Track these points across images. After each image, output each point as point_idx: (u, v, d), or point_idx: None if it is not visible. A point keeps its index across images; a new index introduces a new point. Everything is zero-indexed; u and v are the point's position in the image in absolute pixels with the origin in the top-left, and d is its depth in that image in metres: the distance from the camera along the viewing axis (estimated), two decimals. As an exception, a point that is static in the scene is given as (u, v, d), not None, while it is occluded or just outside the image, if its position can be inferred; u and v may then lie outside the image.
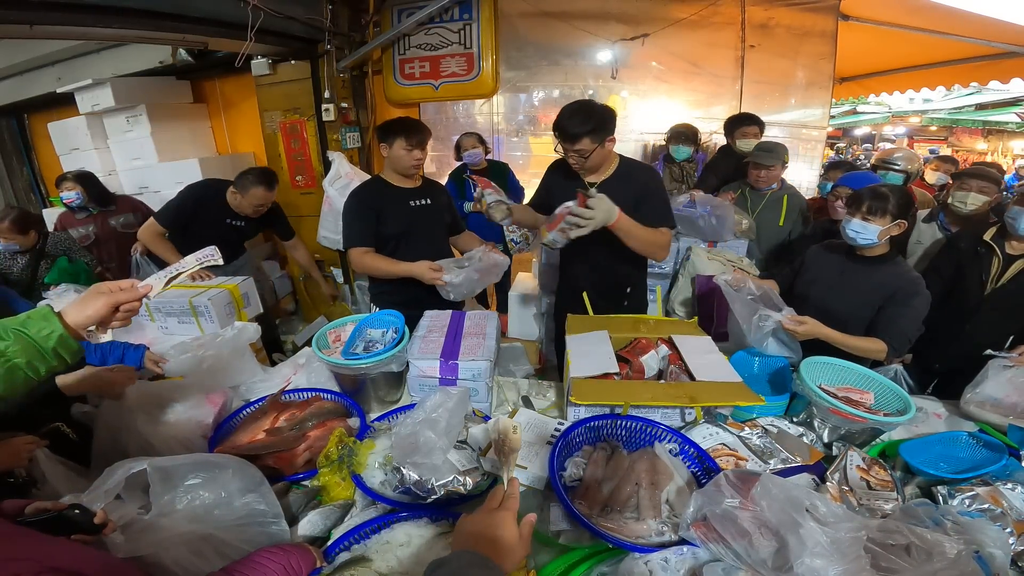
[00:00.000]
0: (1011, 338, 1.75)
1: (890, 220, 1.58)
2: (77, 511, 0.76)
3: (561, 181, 1.86)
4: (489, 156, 3.43)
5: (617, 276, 1.93)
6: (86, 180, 3.01)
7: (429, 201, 2.04)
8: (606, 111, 1.66)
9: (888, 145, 10.98)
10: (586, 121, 1.61)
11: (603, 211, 1.54)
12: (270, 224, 2.91)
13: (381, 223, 1.95)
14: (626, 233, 1.63)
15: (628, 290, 1.97)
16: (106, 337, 0.89)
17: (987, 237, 1.86)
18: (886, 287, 1.62)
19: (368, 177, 3.23)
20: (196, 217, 2.56)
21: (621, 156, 1.81)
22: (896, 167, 2.74)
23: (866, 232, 1.60)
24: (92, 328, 0.86)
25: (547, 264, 2.49)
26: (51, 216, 3.96)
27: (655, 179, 1.82)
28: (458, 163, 3.42)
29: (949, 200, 2.21)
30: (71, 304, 0.85)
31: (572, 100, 1.72)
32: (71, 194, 2.96)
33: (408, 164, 1.94)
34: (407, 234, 1.98)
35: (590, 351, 1.45)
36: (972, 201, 2.11)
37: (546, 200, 1.90)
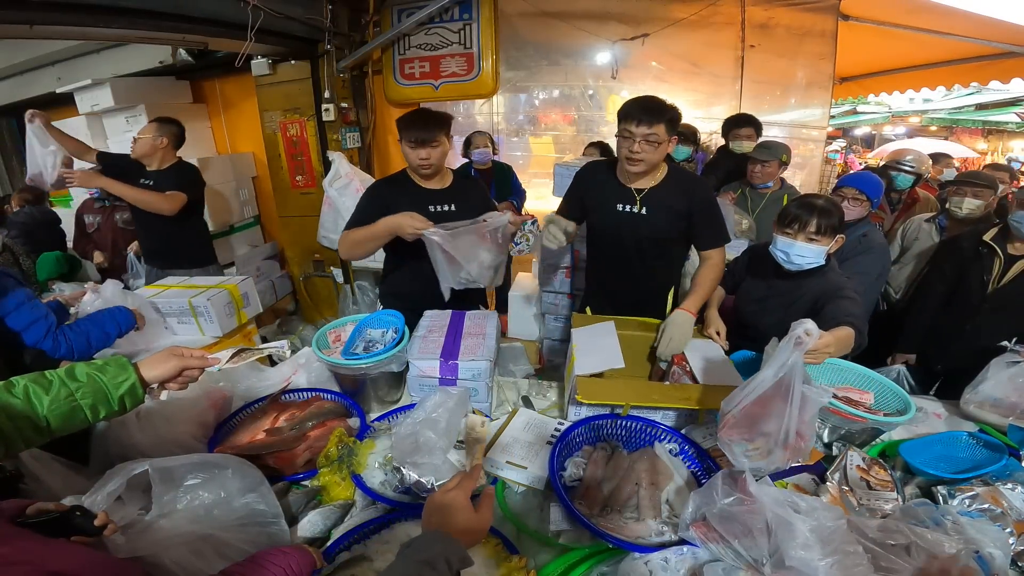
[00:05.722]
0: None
1: (832, 236, 1.45)
2: (79, 514, 0.74)
3: (601, 182, 1.73)
4: (494, 157, 3.43)
5: (652, 287, 1.81)
6: None
7: (454, 208, 1.80)
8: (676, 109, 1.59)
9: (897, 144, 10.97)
10: (663, 110, 1.52)
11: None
12: None
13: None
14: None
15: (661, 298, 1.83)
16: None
17: (987, 238, 1.86)
18: (813, 294, 1.52)
19: (368, 177, 3.22)
20: None
21: (670, 164, 1.71)
22: (907, 168, 2.73)
23: (812, 255, 1.45)
24: (155, 386, 0.94)
25: (546, 264, 2.48)
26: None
27: (710, 193, 1.74)
28: (464, 160, 3.41)
29: (948, 205, 2.25)
30: (144, 360, 0.94)
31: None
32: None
33: (414, 164, 1.76)
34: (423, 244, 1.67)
35: (595, 345, 1.45)
36: (967, 206, 2.15)
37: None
